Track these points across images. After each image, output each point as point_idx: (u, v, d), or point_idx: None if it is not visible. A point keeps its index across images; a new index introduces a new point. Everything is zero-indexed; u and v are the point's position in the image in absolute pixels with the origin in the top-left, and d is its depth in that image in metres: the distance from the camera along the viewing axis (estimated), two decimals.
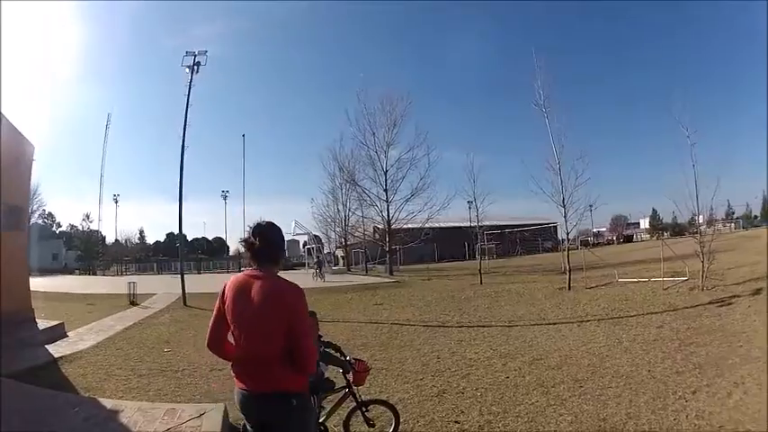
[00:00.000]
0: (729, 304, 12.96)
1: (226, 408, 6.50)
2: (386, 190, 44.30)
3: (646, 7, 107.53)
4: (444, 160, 79.50)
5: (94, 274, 73.39)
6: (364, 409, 5.58)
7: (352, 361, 5.33)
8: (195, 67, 27.63)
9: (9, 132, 13.39)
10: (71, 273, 73.08)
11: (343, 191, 52.80)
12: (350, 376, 5.33)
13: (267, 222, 3.60)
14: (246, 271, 3.56)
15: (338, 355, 5.36)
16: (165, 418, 6.27)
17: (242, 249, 4.00)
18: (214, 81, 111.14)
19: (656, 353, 9.11)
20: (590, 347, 10.08)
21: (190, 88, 27.58)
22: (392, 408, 5.94)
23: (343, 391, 5.46)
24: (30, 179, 16.43)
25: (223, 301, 3.50)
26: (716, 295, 14.46)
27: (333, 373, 5.45)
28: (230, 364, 3.56)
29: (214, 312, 3.57)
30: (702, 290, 15.50)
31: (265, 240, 3.47)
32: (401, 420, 6.01)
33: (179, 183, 27.10)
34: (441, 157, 46.15)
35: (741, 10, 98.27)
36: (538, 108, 23.71)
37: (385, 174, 44.34)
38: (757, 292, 13.98)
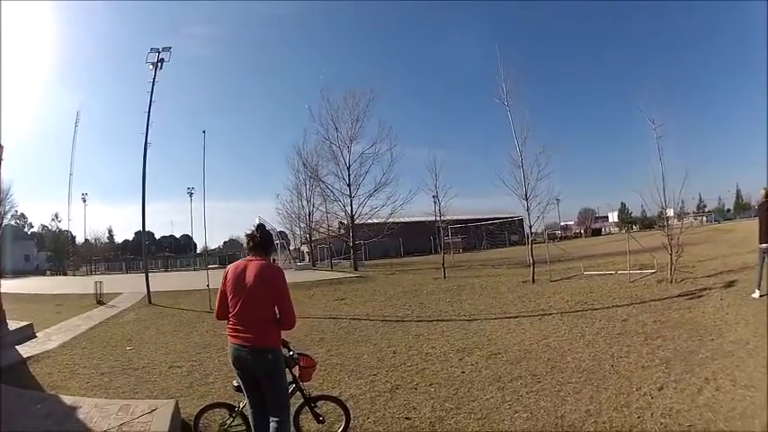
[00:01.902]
0: (700, 297, 12.76)
1: (177, 404, 6.67)
2: (349, 185, 44.46)
3: (620, 7, 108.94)
4: (408, 156, 79.68)
5: (65, 274, 72.51)
6: (313, 405, 5.60)
7: (295, 356, 5.39)
8: (159, 64, 27.59)
9: None
10: (43, 274, 72.60)
11: (307, 186, 52.07)
12: (296, 371, 5.38)
13: (263, 224, 5.27)
14: (245, 258, 5.01)
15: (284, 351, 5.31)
16: (120, 413, 6.51)
17: (244, 241, 5.53)
18: (179, 79, 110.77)
19: (621, 347, 8.81)
20: (550, 341, 9.78)
21: (153, 85, 27.48)
22: (341, 404, 5.91)
23: (291, 387, 5.31)
24: None
25: (225, 282, 4.91)
26: (685, 288, 14.31)
27: None
28: (226, 326, 4.90)
29: (219, 292, 4.98)
30: (671, 282, 15.37)
31: (262, 235, 5.02)
32: (353, 415, 6.00)
33: (142, 180, 26.80)
34: (404, 153, 46.12)
35: (707, 8, 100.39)
36: (500, 103, 23.51)
37: (348, 169, 44.55)
38: (730, 284, 13.87)
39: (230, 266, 5.04)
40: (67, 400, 7.38)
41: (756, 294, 11.61)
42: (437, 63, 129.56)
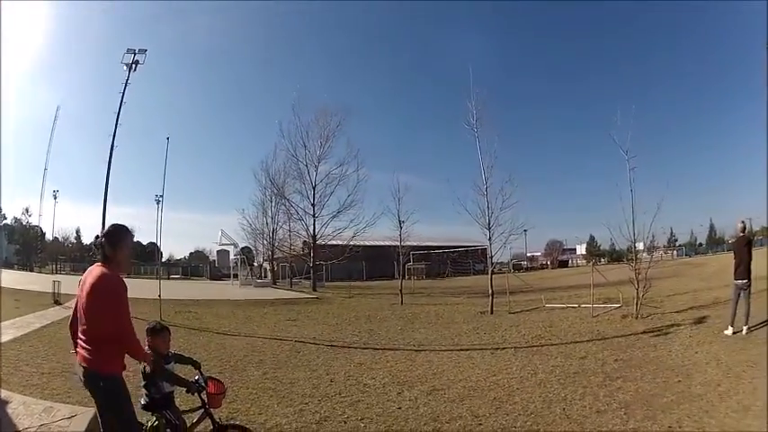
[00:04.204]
0: (667, 334, 12.37)
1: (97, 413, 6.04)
2: (313, 205, 44.95)
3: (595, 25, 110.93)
4: (374, 180, 79.33)
5: (31, 270, 73.56)
6: None
7: (202, 381, 5.06)
8: (133, 66, 28.52)
9: None
10: (11, 267, 71.88)
11: (273, 203, 52.85)
12: (204, 397, 5.04)
13: (112, 225, 4.46)
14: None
15: (194, 373, 5.19)
16: (42, 414, 6.60)
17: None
18: (159, 85, 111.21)
19: (576, 387, 8.22)
20: (499, 378, 9.18)
21: (126, 86, 28.50)
22: None
23: (199, 412, 5.12)
24: None
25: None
26: (652, 324, 13.93)
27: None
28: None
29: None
30: (636, 318, 14.97)
31: (106, 239, 4.28)
32: None
33: (105, 182, 27.54)
34: (370, 175, 46.19)
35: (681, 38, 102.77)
36: (469, 128, 23.11)
37: (314, 188, 45.02)
38: (700, 320, 13.52)
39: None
40: (3, 393, 7.58)
41: (729, 331, 11.34)
42: (406, 84, 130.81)
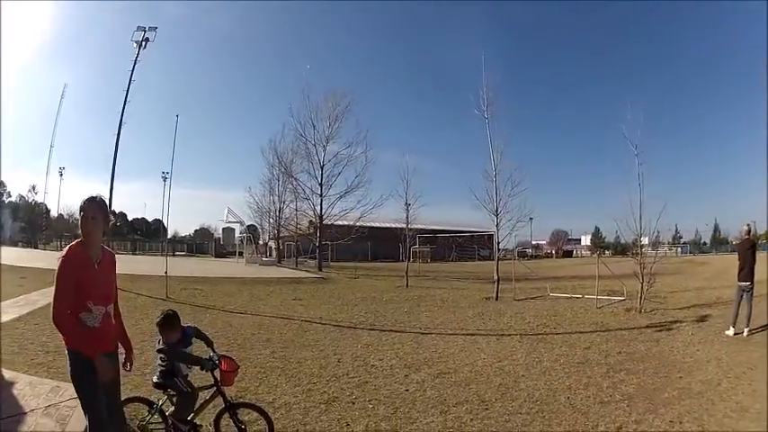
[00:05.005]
0: (669, 330, 12.44)
1: None
2: (321, 184, 44.66)
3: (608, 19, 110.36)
4: (381, 161, 79.14)
5: (36, 247, 74.09)
6: (235, 411, 5.29)
7: (216, 359, 5.16)
8: (143, 43, 28.27)
9: None
10: (16, 245, 73.65)
11: (280, 182, 52.64)
12: (217, 374, 5.15)
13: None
14: None
15: (207, 350, 5.31)
16: (50, 394, 6.67)
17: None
18: (163, 61, 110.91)
19: (580, 377, 8.33)
20: (505, 365, 9.28)
21: (135, 63, 28.20)
22: (264, 413, 5.47)
23: (212, 390, 5.22)
24: None
25: None
26: (655, 319, 14.02)
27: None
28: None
29: None
30: (640, 312, 15.10)
31: None
32: (281, 426, 5.85)
33: (113, 159, 27.26)
34: (378, 157, 46.04)
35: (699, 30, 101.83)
36: (480, 114, 22.98)
37: (321, 168, 44.73)
38: (702, 319, 13.64)
39: None
40: (7, 374, 7.59)
41: (731, 332, 11.45)
42: (417, 67, 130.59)
